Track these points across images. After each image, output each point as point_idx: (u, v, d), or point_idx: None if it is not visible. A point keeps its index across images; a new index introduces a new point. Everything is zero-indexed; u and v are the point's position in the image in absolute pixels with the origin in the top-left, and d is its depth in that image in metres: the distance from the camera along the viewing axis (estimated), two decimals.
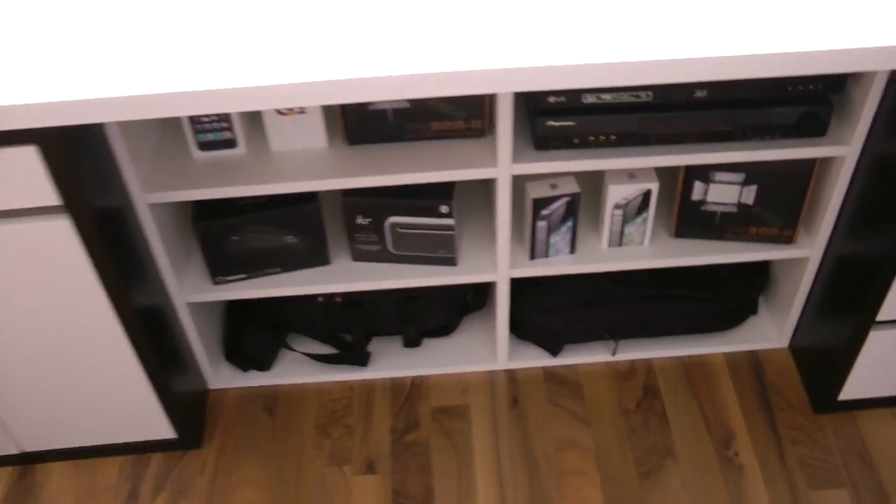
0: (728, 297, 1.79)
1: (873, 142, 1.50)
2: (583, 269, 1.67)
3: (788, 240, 1.67)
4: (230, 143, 1.51)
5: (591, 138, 1.49)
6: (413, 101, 1.47)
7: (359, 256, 1.67)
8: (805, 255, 1.69)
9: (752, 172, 1.58)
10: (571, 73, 1.21)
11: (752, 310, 1.87)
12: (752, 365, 1.86)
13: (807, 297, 1.77)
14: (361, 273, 1.66)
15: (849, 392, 1.72)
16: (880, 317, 1.57)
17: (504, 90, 1.21)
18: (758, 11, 1.29)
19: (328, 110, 1.56)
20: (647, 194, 1.60)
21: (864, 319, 1.57)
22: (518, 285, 1.77)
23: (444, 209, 1.56)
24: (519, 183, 1.78)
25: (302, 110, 1.47)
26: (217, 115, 1.47)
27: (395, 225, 1.60)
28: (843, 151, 1.53)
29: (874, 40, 1.24)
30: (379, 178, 1.47)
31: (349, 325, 1.82)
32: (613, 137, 1.49)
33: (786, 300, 1.82)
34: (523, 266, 1.66)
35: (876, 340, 1.61)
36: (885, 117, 1.45)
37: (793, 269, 1.77)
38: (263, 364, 1.84)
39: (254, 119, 1.58)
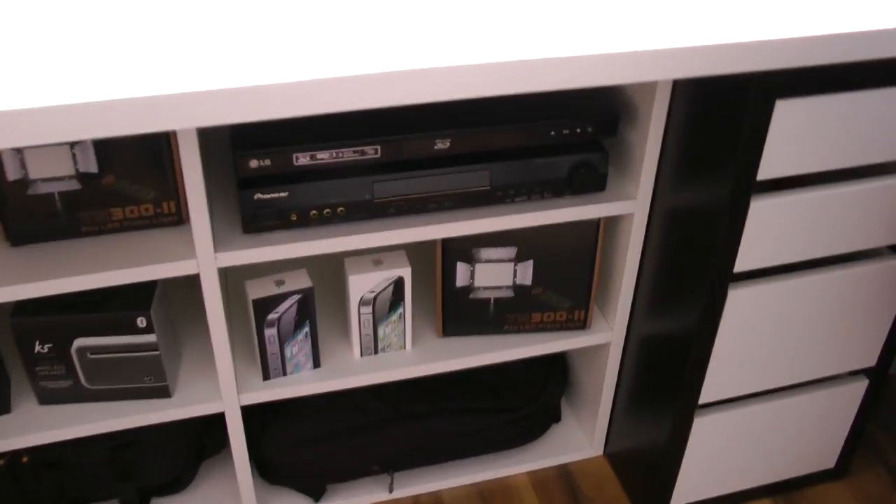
0: (521, 403, 1.46)
1: (662, 192, 1.22)
2: (332, 387, 1.30)
3: (581, 324, 1.37)
4: None
5: (314, 213, 1.15)
6: (85, 183, 1.10)
7: (46, 398, 1.25)
8: (604, 340, 1.38)
9: (524, 245, 1.27)
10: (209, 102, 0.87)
11: (554, 417, 1.54)
12: (563, 481, 1.52)
13: (615, 391, 1.46)
14: (52, 420, 1.24)
15: (682, 496, 1.41)
16: (703, 399, 1.27)
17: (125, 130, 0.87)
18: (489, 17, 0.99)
19: None
20: (398, 283, 1.27)
21: (684, 406, 1.28)
22: (260, 415, 1.39)
23: (141, 322, 1.18)
24: (239, 280, 1.42)
25: None
26: None
27: (84, 350, 1.20)
28: (628, 208, 1.24)
29: (653, 43, 0.96)
30: (45, 285, 1.08)
31: (46, 492, 1.38)
32: (342, 210, 1.16)
33: (591, 399, 1.50)
34: (256, 389, 1.28)
35: (702, 428, 1.31)
36: (670, 162, 1.19)
37: (593, 360, 1.46)
38: None
39: None
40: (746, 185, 1.08)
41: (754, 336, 1.23)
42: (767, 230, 1.13)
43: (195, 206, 1.07)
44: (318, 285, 1.48)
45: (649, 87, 1.16)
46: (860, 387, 1.38)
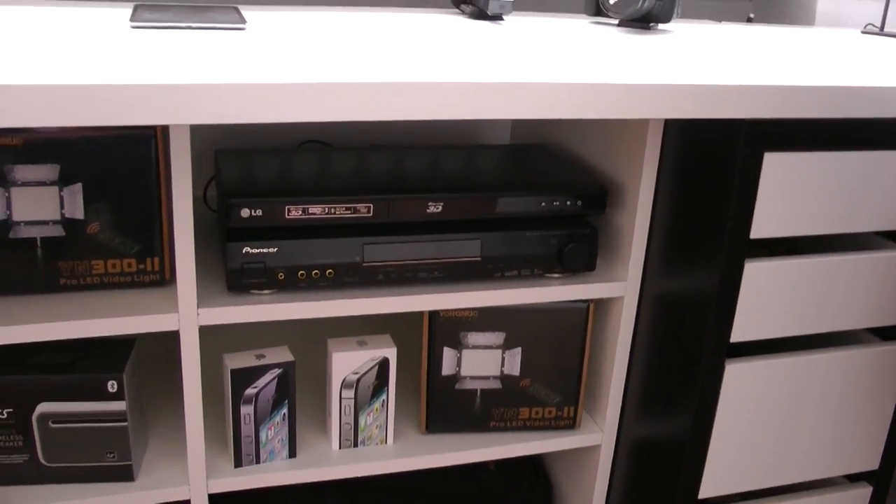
0: None
1: (652, 275, 1.22)
2: (307, 478, 1.22)
3: (571, 423, 1.31)
4: None
5: (302, 273, 1.12)
6: (69, 230, 1.07)
7: None
8: (594, 441, 1.32)
9: (513, 329, 1.24)
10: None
11: None
12: None
13: (605, 501, 1.37)
14: (3, 501, 1.14)
15: None
16: (703, 493, 1.20)
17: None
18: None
19: None
20: (382, 365, 1.22)
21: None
22: None
23: (112, 387, 1.11)
24: (215, 356, 1.36)
25: None
26: None
27: (46, 417, 1.11)
28: (618, 290, 1.23)
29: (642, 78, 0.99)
30: (15, 330, 1.02)
31: None
32: (330, 272, 1.13)
33: None
34: (226, 476, 1.19)
35: None
36: (659, 243, 1.19)
37: (583, 465, 1.39)
38: None
39: None
40: (740, 243, 1.08)
41: (754, 420, 1.19)
42: (763, 295, 1.12)
43: (183, 253, 1.04)
44: (297, 368, 1.42)
45: (636, 162, 1.19)
46: (862, 495, 1.32)
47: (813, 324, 1.17)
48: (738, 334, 1.13)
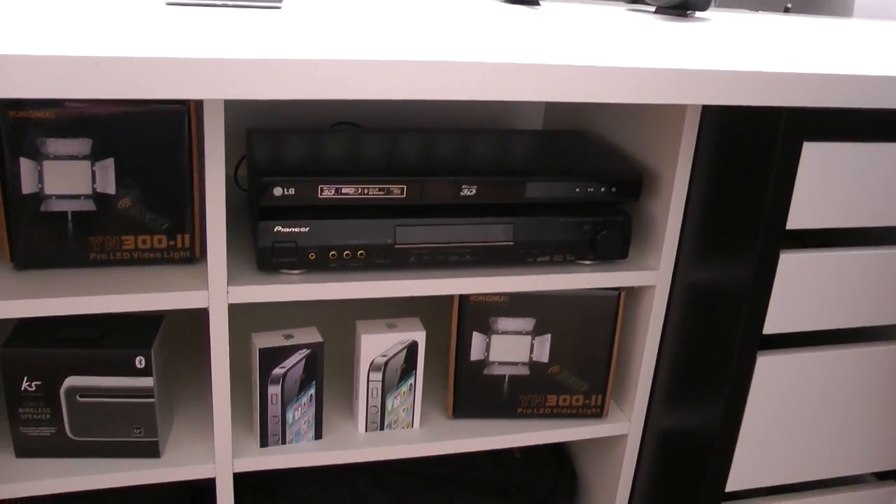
0: None
1: (684, 266, 1.20)
2: (333, 460, 1.21)
3: (598, 411, 1.30)
4: None
5: (333, 254, 1.12)
6: (100, 204, 1.07)
7: (25, 448, 1.14)
8: (621, 431, 1.31)
9: (543, 316, 1.23)
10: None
11: None
12: None
13: (630, 490, 1.36)
14: (28, 472, 1.13)
15: None
16: (730, 486, 1.19)
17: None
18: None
19: None
20: (411, 349, 1.21)
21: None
22: (251, 493, 1.29)
23: (140, 362, 1.11)
24: (242, 337, 1.36)
25: None
26: None
27: (74, 391, 1.12)
28: (650, 279, 1.22)
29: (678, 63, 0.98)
30: (46, 303, 1.02)
31: None
32: (361, 253, 1.13)
33: (605, 500, 1.41)
34: (252, 455, 1.19)
35: None
36: (692, 233, 1.18)
37: (609, 456, 1.38)
38: None
39: None
40: (776, 234, 1.07)
41: (784, 414, 1.18)
42: (797, 287, 1.11)
43: (214, 230, 1.04)
44: (325, 349, 1.42)
45: (672, 150, 1.17)
46: (890, 494, 1.30)
47: (846, 318, 1.15)
48: (771, 326, 1.12)
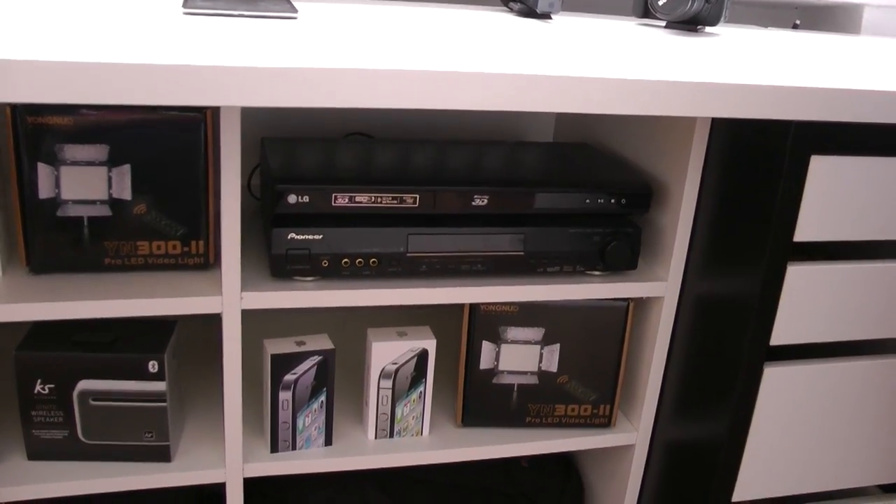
0: None
1: (692, 277, 1.21)
2: (342, 466, 1.22)
3: (606, 421, 1.31)
4: None
5: (346, 261, 1.13)
6: (115, 210, 1.08)
7: (38, 451, 1.15)
8: (628, 441, 1.32)
9: (552, 326, 1.24)
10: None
11: None
12: None
13: (637, 502, 1.37)
14: (39, 474, 1.14)
15: None
16: (737, 496, 1.20)
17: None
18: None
19: (5, 229, 1.13)
20: (421, 357, 1.23)
21: None
22: (260, 499, 1.30)
23: (153, 367, 1.12)
24: (254, 343, 1.37)
25: None
26: None
27: (87, 394, 1.13)
28: (659, 290, 1.23)
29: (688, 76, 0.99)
30: (61, 306, 1.03)
31: None
32: (374, 261, 1.14)
33: None
34: (262, 460, 1.20)
35: None
36: (701, 245, 1.19)
37: (616, 466, 1.39)
38: None
39: None
40: (784, 246, 1.08)
41: (790, 425, 1.18)
42: (804, 299, 1.12)
43: (229, 236, 1.05)
44: (336, 357, 1.43)
45: (681, 162, 1.18)
46: None
47: (853, 330, 1.16)
48: (778, 338, 1.13)
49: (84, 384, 1.13)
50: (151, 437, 1.16)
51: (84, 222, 1.09)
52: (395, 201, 1.12)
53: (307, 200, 1.10)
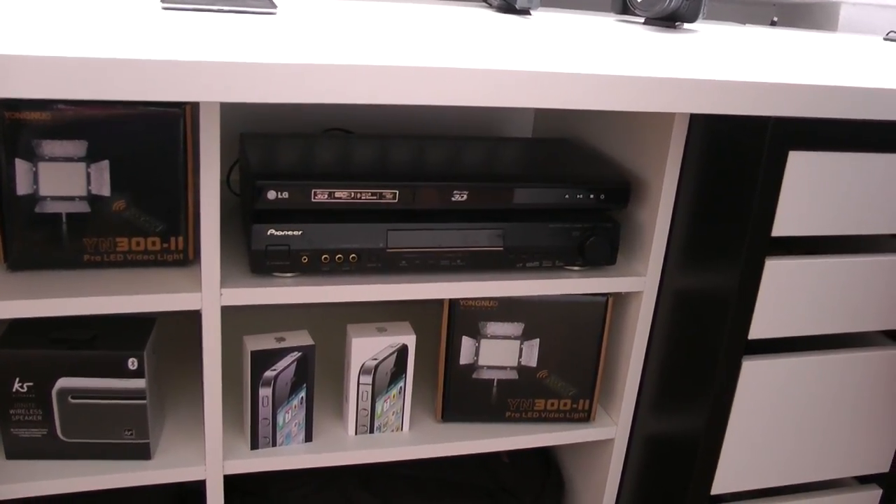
0: None
1: (671, 273, 1.22)
2: (323, 462, 1.22)
3: (585, 416, 1.32)
4: None
5: (325, 257, 1.13)
6: (94, 206, 1.08)
7: (16, 450, 1.15)
8: (608, 435, 1.32)
9: (532, 321, 1.24)
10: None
11: None
12: None
13: (617, 494, 1.38)
14: (17, 473, 1.13)
15: None
16: (715, 490, 1.21)
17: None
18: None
19: None
20: (401, 352, 1.23)
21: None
22: (240, 498, 1.29)
23: (132, 364, 1.12)
24: (234, 340, 1.37)
25: None
26: None
27: (66, 392, 1.12)
28: (637, 285, 1.24)
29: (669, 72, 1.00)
30: (39, 304, 1.03)
31: None
32: (353, 257, 1.14)
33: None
34: (242, 457, 1.19)
35: None
36: (680, 240, 1.20)
37: (595, 460, 1.40)
38: None
39: None
40: (762, 241, 1.09)
41: (768, 418, 1.19)
42: (782, 294, 1.12)
43: (208, 232, 1.05)
44: (316, 353, 1.43)
45: (660, 157, 1.19)
46: (872, 497, 1.32)
47: (830, 324, 1.18)
48: (756, 332, 1.14)
49: (63, 382, 1.12)
50: (131, 434, 1.16)
51: (63, 219, 1.08)
52: (375, 197, 1.12)
53: (286, 196, 1.10)
